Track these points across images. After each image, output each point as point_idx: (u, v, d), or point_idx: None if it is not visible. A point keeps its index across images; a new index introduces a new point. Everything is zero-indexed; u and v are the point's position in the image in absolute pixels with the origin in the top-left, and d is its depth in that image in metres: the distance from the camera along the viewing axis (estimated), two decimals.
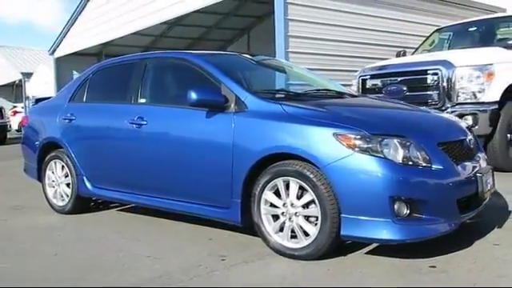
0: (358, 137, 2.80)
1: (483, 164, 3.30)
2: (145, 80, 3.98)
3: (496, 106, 5.27)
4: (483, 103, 5.27)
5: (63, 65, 15.51)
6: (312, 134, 2.92)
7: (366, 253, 3.09)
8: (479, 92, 5.29)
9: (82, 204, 4.56)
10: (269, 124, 3.10)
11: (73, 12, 14.20)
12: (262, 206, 3.13)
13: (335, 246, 2.94)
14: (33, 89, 20.55)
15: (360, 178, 2.76)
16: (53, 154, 4.66)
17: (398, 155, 2.79)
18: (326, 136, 2.86)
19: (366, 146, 2.78)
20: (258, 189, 3.12)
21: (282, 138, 3.03)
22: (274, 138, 3.06)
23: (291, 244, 3.04)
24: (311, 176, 2.88)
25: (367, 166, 2.74)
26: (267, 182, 3.09)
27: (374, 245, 3.14)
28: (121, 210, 4.73)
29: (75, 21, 14.28)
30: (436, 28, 7.59)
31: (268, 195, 3.11)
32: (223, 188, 3.28)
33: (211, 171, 3.36)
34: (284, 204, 3.05)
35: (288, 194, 3.03)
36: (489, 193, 3.21)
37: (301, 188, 2.98)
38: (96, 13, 13.23)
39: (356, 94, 4.32)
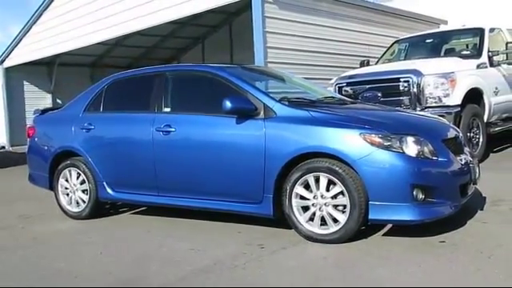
0: (381, 136, 3.35)
1: (470, 156, 3.96)
2: (167, 90, 4.31)
3: (459, 109, 6.06)
4: (448, 106, 6.06)
5: (13, 75, 15.12)
6: (340, 134, 3.44)
7: (383, 235, 3.64)
8: (444, 97, 6.07)
9: (98, 209, 4.79)
10: (299, 127, 3.58)
11: (26, 22, 13.91)
12: (293, 199, 3.60)
13: (359, 229, 3.47)
14: None
15: (384, 170, 3.31)
16: (67, 162, 4.84)
17: (414, 150, 3.36)
18: (354, 136, 3.38)
19: (387, 143, 3.33)
20: (290, 184, 3.58)
21: (313, 139, 3.51)
22: (305, 140, 3.54)
23: (321, 230, 3.53)
24: (340, 171, 3.39)
25: (390, 160, 3.30)
26: (298, 178, 3.55)
27: (388, 227, 3.71)
28: (134, 214, 5.00)
29: (28, 31, 13.99)
30: (395, 39, 8.40)
31: (299, 189, 3.57)
32: (256, 185, 3.71)
33: (244, 171, 3.77)
34: (314, 196, 3.54)
35: (318, 187, 3.52)
36: (478, 180, 3.87)
37: (329, 181, 3.48)
38: (52, 24, 13.06)
39: (353, 100, 4.89)
